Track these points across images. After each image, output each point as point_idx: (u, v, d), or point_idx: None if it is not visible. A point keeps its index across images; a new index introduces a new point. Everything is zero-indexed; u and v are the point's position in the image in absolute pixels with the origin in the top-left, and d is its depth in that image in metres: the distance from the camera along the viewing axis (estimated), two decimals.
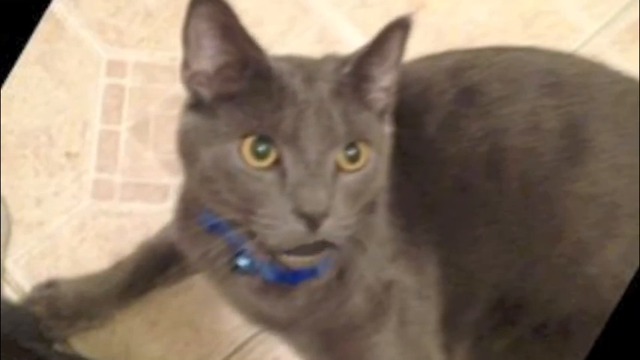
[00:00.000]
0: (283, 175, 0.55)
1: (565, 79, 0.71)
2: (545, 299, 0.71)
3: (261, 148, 0.56)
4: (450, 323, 0.73)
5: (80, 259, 0.97)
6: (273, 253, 0.59)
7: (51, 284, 0.93)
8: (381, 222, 0.68)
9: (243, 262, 0.65)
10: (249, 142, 0.56)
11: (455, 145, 0.70)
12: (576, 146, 0.68)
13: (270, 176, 0.56)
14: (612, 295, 0.61)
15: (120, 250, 0.95)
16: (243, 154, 0.56)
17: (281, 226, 0.55)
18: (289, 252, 0.57)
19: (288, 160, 0.55)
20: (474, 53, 0.76)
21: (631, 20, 1.08)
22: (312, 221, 0.54)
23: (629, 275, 0.64)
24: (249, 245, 0.58)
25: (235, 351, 0.95)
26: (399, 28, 0.58)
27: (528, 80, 0.71)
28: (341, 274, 0.67)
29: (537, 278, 0.70)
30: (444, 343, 0.73)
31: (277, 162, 0.56)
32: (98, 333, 0.93)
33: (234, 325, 0.95)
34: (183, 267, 0.91)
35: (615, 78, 0.74)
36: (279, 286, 0.67)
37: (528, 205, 0.69)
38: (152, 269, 0.93)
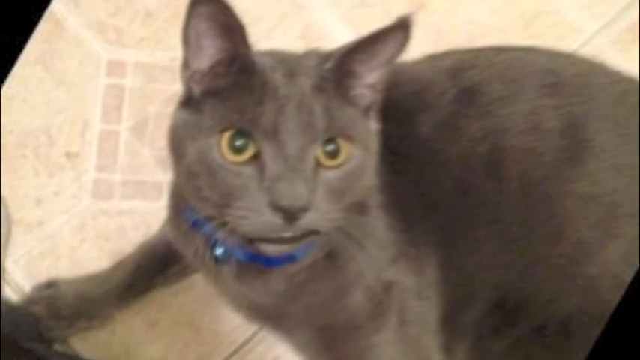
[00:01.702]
0: (262, 170, 0.55)
1: (565, 79, 0.71)
2: (545, 299, 0.71)
3: (239, 142, 0.56)
4: (450, 323, 0.73)
5: (80, 259, 0.97)
6: (245, 239, 0.59)
7: (51, 284, 0.93)
8: (379, 225, 0.68)
9: (218, 251, 0.65)
10: (227, 136, 0.56)
11: (455, 145, 0.69)
12: (576, 146, 0.68)
13: (248, 171, 0.56)
14: (612, 295, 0.61)
15: (120, 250, 0.96)
16: (221, 148, 0.56)
17: (255, 217, 0.55)
18: (265, 240, 0.57)
19: (267, 154, 0.55)
20: (474, 53, 0.76)
21: (631, 20, 1.08)
22: (290, 215, 0.54)
23: (629, 275, 0.64)
24: (220, 234, 0.58)
25: (235, 351, 0.95)
26: (400, 29, 0.58)
27: (528, 80, 0.71)
28: (331, 257, 0.66)
29: (537, 278, 0.70)
30: (444, 343, 0.73)
31: (256, 157, 0.56)
32: (98, 333, 0.93)
33: (234, 324, 0.95)
34: (183, 266, 0.91)
35: (615, 78, 0.74)
36: (254, 268, 0.67)
37: (528, 205, 0.69)
38: (152, 269, 0.93)
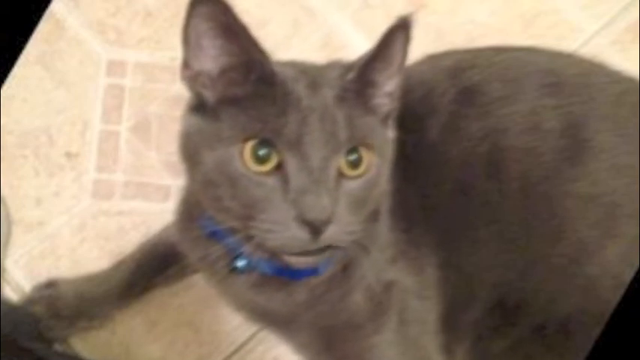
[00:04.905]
0: (285, 180, 0.55)
1: (565, 79, 0.71)
2: (545, 299, 0.71)
3: (262, 152, 0.56)
4: (449, 323, 0.73)
5: (80, 259, 0.97)
6: (272, 253, 0.59)
7: (51, 284, 0.93)
8: (383, 227, 0.68)
9: (240, 263, 0.65)
10: (250, 145, 0.56)
11: (456, 146, 0.69)
12: (576, 146, 0.68)
13: (271, 181, 0.55)
14: (612, 295, 0.61)
15: (120, 250, 0.96)
16: (244, 158, 0.56)
17: (282, 231, 0.54)
18: (290, 254, 0.57)
19: (291, 165, 0.55)
20: (474, 53, 0.76)
21: (631, 20, 1.08)
22: (316, 228, 0.54)
23: (629, 275, 0.64)
24: (246, 248, 0.58)
25: (235, 351, 0.95)
26: (401, 29, 0.58)
27: (528, 80, 0.71)
28: (344, 269, 0.67)
29: (537, 278, 0.70)
30: (444, 343, 0.73)
31: (278, 167, 0.56)
32: (98, 333, 0.93)
33: (234, 325, 0.95)
34: (183, 267, 0.91)
35: (615, 78, 0.74)
36: (277, 280, 0.67)
37: (528, 205, 0.69)
38: (152, 269, 0.93)
